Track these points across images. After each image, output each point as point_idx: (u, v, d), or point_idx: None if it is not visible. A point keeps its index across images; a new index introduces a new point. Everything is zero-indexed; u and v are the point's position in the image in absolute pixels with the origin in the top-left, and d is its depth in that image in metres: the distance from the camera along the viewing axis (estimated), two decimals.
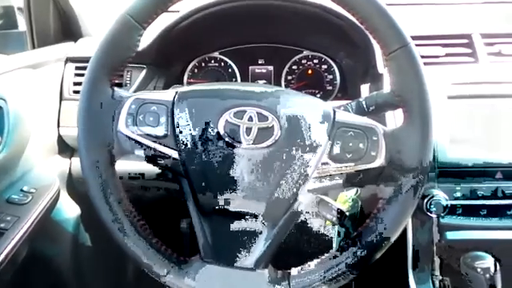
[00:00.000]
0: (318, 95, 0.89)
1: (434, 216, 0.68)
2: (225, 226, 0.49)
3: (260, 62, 0.90)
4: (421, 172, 0.46)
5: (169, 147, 0.48)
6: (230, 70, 0.89)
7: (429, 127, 0.46)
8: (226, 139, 0.46)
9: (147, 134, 0.48)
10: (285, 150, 0.46)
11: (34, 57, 0.76)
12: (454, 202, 0.69)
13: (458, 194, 0.69)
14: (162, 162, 0.49)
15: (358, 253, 0.47)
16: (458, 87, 0.70)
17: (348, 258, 0.47)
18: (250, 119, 0.46)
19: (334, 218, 0.54)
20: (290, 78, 0.89)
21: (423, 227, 0.72)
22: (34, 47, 0.84)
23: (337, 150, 0.47)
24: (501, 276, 0.63)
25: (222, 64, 0.89)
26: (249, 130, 0.46)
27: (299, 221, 0.53)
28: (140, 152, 0.49)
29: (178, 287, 0.48)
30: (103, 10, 0.95)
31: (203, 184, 0.47)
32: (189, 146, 0.47)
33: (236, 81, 0.89)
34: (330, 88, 0.88)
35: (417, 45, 0.74)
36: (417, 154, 0.46)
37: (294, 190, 0.47)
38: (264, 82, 0.89)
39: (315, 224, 0.79)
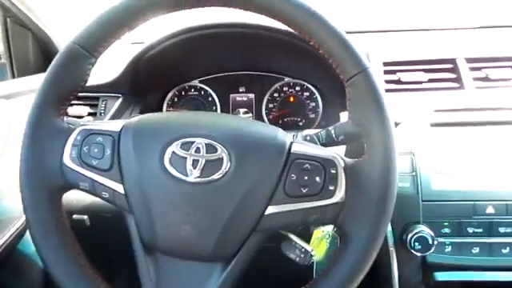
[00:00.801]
0: (301, 123, 0.85)
1: (418, 254, 0.62)
2: (170, 266, 0.45)
3: (241, 90, 0.88)
4: (382, 212, 0.41)
5: (113, 180, 0.45)
6: (210, 99, 0.87)
7: (390, 160, 0.42)
8: (172, 172, 0.43)
9: (91, 166, 0.45)
10: (235, 183, 0.42)
11: (8, 87, 0.75)
12: (442, 239, 0.63)
13: (446, 230, 0.63)
14: (107, 195, 0.46)
15: None
16: (442, 114, 0.66)
17: None
18: (198, 151, 0.43)
19: (298, 259, 0.49)
20: (271, 105, 0.86)
21: (409, 267, 0.66)
22: (14, 78, 0.85)
23: (291, 184, 0.43)
24: None
25: (202, 92, 0.88)
26: (196, 163, 0.43)
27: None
28: (85, 185, 0.46)
29: None
30: None
31: (147, 220, 0.44)
32: (133, 179, 0.44)
33: (216, 110, 0.87)
34: (313, 116, 0.85)
35: (398, 70, 0.73)
36: (377, 192, 0.41)
37: (246, 227, 0.43)
38: (245, 110, 0.86)
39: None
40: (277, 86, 0.86)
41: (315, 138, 0.58)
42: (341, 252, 0.43)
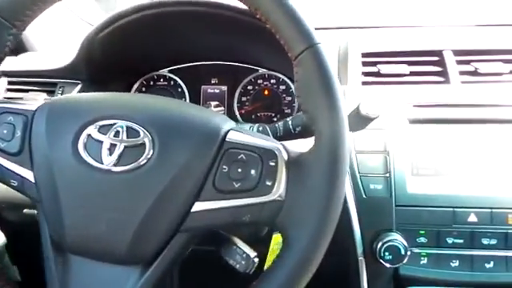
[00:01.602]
0: (275, 118, 0.79)
1: (388, 266, 0.55)
2: (81, 268, 0.39)
3: (213, 82, 0.81)
4: (326, 213, 0.35)
5: (23, 166, 0.39)
6: (179, 90, 0.81)
7: (338, 153, 0.35)
8: (85, 158, 0.37)
9: None
10: (157, 174, 0.36)
11: None
12: (417, 250, 0.56)
13: (422, 240, 0.56)
14: (16, 184, 0.40)
15: None
16: (422, 110, 0.59)
17: None
18: (117, 134, 0.37)
19: (238, 265, 0.43)
20: (244, 99, 0.80)
21: (380, 279, 0.59)
22: None
23: (222, 177, 0.36)
24: None
25: (172, 83, 0.82)
26: (113, 148, 0.37)
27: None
28: None
29: None
30: (48, 24, 0.90)
31: (56, 213, 0.38)
32: (44, 165, 0.38)
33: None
34: (289, 111, 0.78)
35: (379, 62, 0.66)
36: (322, 189, 0.35)
37: (169, 225, 0.36)
38: (216, 103, 0.80)
39: None
40: (251, 77, 0.79)
41: (268, 129, 0.52)
42: (280, 257, 0.36)
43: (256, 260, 0.43)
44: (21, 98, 0.72)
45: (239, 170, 0.36)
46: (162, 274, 0.38)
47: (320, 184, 0.35)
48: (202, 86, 0.82)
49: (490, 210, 0.55)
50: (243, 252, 0.43)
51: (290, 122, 0.53)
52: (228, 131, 0.38)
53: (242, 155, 0.37)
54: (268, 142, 0.38)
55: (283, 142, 0.40)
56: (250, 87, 0.80)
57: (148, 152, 0.36)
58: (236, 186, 0.36)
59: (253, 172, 0.36)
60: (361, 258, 0.58)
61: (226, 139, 0.37)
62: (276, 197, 0.36)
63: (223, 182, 0.36)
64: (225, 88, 0.81)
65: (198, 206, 0.36)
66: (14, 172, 0.39)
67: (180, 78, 0.81)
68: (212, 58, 0.80)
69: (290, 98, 0.79)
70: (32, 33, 0.85)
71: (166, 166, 0.36)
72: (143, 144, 0.37)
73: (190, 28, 0.69)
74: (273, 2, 0.37)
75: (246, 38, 0.72)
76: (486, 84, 0.61)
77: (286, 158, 0.37)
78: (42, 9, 0.42)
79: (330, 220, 0.35)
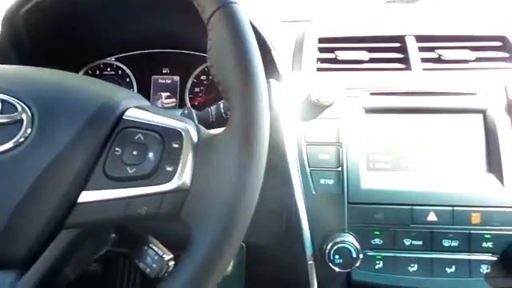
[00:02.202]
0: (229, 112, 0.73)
1: (338, 270, 0.48)
2: None
3: (164, 71, 0.75)
4: (236, 204, 0.28)
5: None
6: (128, 80, 0.75)
7: (252, 132, 0.29)
8: None
9: None
10: (35, 156, 0.30)
11: None
12: (372, 253, 0.50)
13: (378, 242, 0.50)
14: None
15: None
16: (380, 98, 0.54)
17: None
18: None
19: (149, 270, 0.36)
20: (197, 89, 0.74)
21: (331, 285, 0.52)
22: None
23: (113, 161, 0.30)
24: None
25: (120, 72, 0.75)
26: None
27: None
28: None
29: None
30: None
31: None
32: None
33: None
34: None
35: (336, 48, 0.61)
36: (232, 175, 0.29)
37: (50, 219, 0.30)
38: (168, 94, 0.74)
39: None
40: (204, 67, 0.73)
41: (195, 113, 0.47)
42: (187, 253, 0.29)
43: (171, 263, 0.37)
44: None
45: (134, 153, 0.30)
46: (45, 279, 0.31)
47: (229, 168, 0.29)
48: (153, 76, 0.75)
49: (451, 209, 0.49)
50: (155, 254, 0.36)
51: (221, 105, 0.47)
52: (128, 108, 0.32)
53: (139, 135, 0.30)
54: (174, 121, 0.32)
55: (201, 126, 0.34)
56: (203, 77, 0.74)
57: (25, 130, 0.30)
58: (130, 171, 0.30)
59: (151, 155, 0.30)
60: (310, 262, 0.52)
61: (124, 117, 0.31)
62: (178, 185, 0.29)
63: (115, 167, 0.30)
64: (177, 78, 0.75)
65: (86, 196, 0.30)
66: None
67: (128, 67, 0.75)
68: (163, 45, 0.74)
69: None
70: None
71: (45, 146, 0.30)
72: (20, 121, 0.30)
73: (133, 9, 0.63)
74: None
75: (196, 23, 0.66)
76: (450, 71, 0.56)
77: (195, 139, 0.31)
78: None
79: (241, 210, 0.29)
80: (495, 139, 0.50)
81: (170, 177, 0.30)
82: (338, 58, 0.59)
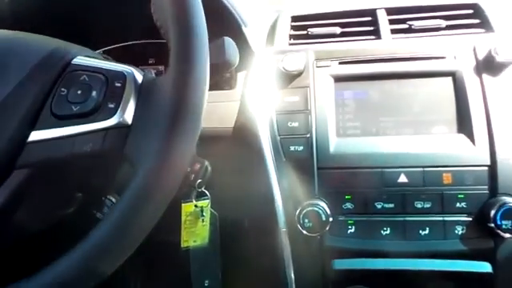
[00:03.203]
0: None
1: (308, 234, 0.48)
2: None
3: (150, 62, 0.78)
4: (170, 136, 0.29)
5: None
6: None
7: (191, 73, 0.30)
8: None
9: None
10: None
11: None
12: (343, 217, 0.50)
13: (349, 206, 0.50)
14: None
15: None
16: (349, 66, 0.54)
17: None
18: None
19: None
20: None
21: (306, 253, 0.52)
22: None
23: (59, 100, 0.31)
24: None
25: None
26: None
27: None
28: None
29: None
30: None
31: None
32: None
33: None
34: (228, 88, 0.74)
35: (309, 25, 0.62)
36: (167, 110, 0.29)
37: (1, 157, 0.31)
38: None
39: None
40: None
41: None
42: (127, 186, 0.30)
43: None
44: None
45: (79, 92, 0.31)
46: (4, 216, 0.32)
47: (166, 104, 0.30)
48: (139, 67, 0.78)
49: (422, 169, 0.49)
50: (111, 203, 0.37)
51: None
52: (77, 56, 0.34)
53: (84, 76, 0.32)
54: (120, 66, 0.33)
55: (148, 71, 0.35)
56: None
57: None
58: (74, 109, 0.31)
59: (94, 93, 0.31)
60: (284, 229, 0.51)
61: (72, 62, 0.33)
62: (119, 121, 0.31)
63: (61, 106, 0.31)
64: (162, 68, 0.77)
65: (35, 136, 0.31)
66: None
67: (115, 59, 0.78)
68: (147, 36, 0.77)
69: (228, 75, 0.74)
70: None
71: None
72: None
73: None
74: None
75: None
76: (418, 38, 0.56)
77: (139, 81, 0.33)
78: None
79: (176, 144, 0.29)
80: (465, 100, 0.50)
81: (111, 113, 0.31)
82: (309, 33, 0.61)
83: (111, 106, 0.31)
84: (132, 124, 0.31)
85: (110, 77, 0.32)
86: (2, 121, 0.31)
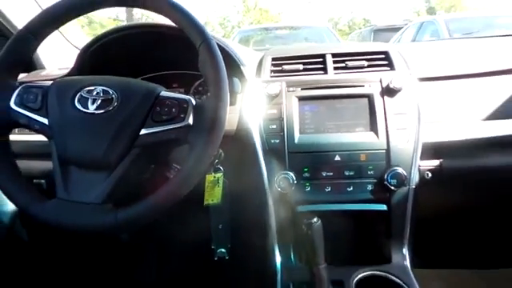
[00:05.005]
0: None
1: (281, 190, 0.82)
2: (74, 173, 0.65)
3: (174, 86, 1.11)
4: (212, 131, 0.62)
5: (42, 116, 0.67)
6: None
7: (219, 102, 0.63)
8: (78, 107, 0.65)
9: (28, 108, 0.67)
10: (119, 114, 0.64)
11: None
12: (303, 181, 0.84)
13: (306, 175, 0.84)
14: (37, 127, 0.67)
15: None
16: (307, 91, 0.88)
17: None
18: (97, 94, 0.65)
19: (172, 175, 0.70)
20: (197, 97, 1.09)
21: (282, 203, 0.85)
22: None
23: (156, 114, 0.64)
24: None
25: None
26: (95, 101, 0.65)
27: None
28: (23, 121, 0.67)
29: (38, 218, 0.63)
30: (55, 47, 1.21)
31: (62, 141, 0.65)
32: (55, 114, 0.66)
33: None
34: None
35: (284, 64, 0.96)
36: (209, 119, 0.62)
37: (127, 143, 0.64)
38: None
39: None
40: (200, 81, 1.09)
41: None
42: (189, 153, 0.63)
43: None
44: None
45: (166, 110, 0.64)
46: (123, 174, 0.64)
47: (210, 113, 0.63)
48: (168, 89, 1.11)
49: (348, 152, 0.83)
50: (176, 168, 0.70)
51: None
52: (161, 91, 0.67)
53: (168, 101, 0.65)
54: (185, 96, 0.66)
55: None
56: (200, 88, 1.09)
57: (114, 102, 0.64)
58: (164, 118, 0.64)
59: (173, 110, 0.64)
60: (267, 188, 0.85)
61: (160, 95, 0.66)
62: (186, 123, 0.64)
63: (158, 116, 0.64)
64: (182, 90, 1.10)
65: (144, 131, 0.64)
66: (36, 120, 0.66)
67: (153, 81, 1.11)
68: (173, 68, 1.10)
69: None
70: (39, 57, 1.15)
71: (124, 110, 0.64)
72: (112, 98, 0.65)
73: (153, 45, 0.99)
74: (177, 12, 0.66)
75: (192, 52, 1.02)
76: (350, 73, 0.91)
77: (194, 103, 0.66)
78: (55, 29, 0.72)
79: (215, 135, 0.62)
80: (374, 112, 0.84)
81: (182, 120, 0.63)
82: (283, 69, 0.95)
83: (182, 116, 0.64)
84: (192, 125, 0.64)
85: (180, 101, 0.65)
86: (129, 124, 0.64)
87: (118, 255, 1.24)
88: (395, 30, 6.82)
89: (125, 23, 0.90)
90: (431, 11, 20.32)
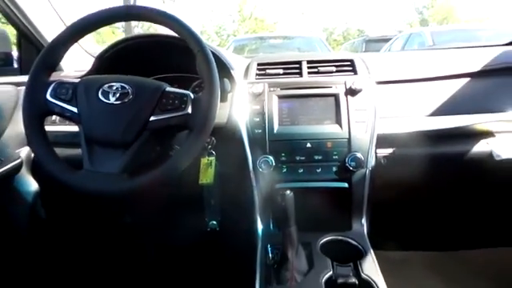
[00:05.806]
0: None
1: (264, 172, 1.00)
2: (98, 150, 0.83)
3: (175, 86, 1.29)
4: (206, 118, 0.80)
5: (72, 105, 0.85)
6: None
7: (212, 97, 0.82)
8: (102, 99, 0.83)
9: (61, 99, 0.85)
10: (134, 105, 0.82)
11: (17, 79, 1.17)
12: (280, 164, 1.02)
13: (284, 158, 1.02)
14: (68, 114, 0.85)
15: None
16: (286, 91, 1.07)
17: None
18: (116, 89, 0.84)
19: (175, 148, 0.88)
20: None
21: (262, 182, 1.03)
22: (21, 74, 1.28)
23: (162, 104, 0.83)
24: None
25: None
26: (114, 94, 0.83)
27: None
28: (57, 109, 0.85)
29: (68, 184, 0.81)
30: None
31: (88, 125, 0.83)
32: (83, 104, 0.84)
33: None
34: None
35: (267, 68, 1.15)
36: (204, 110, 0.81)
37: (139, 126, 0.82)
38: None
39: None
40: (197, 82, 1.28)
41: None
42: (188, 134, 0.81)
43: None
44: None
45: (170, 101, 0.83)
46: (136, 151, 0.82)
47: (204, 105, 0.81)
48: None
49: (318, 140, 1.02)
50: (177, 147, 0.89)
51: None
52: (166, 87, 0.85)
53: (172, 95, 0.83)
54: (186, 91, 0.85)
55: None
56: (197, 89, 1.28)
57: (130, 95, 0.83)
58: (169, 108, 0.82)
59: (177, 102, 0.83)
60: (252, 170, 1.03)
61: (165, 90, 0.84)
62: (186, 112, 0.82)
63: (164, 106, 0.83)
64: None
65: (153, 117, 0.82)
66: (67, 108, 0.85)
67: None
68: (175, 71, 1.29)
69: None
70: None
71: (137, 101, 0.82)
72: (128, 92, 0.83)
73: (160, 52, 1.18)
74: (179, 26, 0.85)
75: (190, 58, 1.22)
76: (321, 77, 1.10)
77: (192, 97, 0.84)
78: (78, 39, 0.90)
79: (208, 120, 0.81)
80: (339, 108, 1.03)
81: (184, 109, 0.82)
82: (266, 73, 1.14)
83: (183, 106, 0.82)
84: (191, 113, 0.82)
85: (181, 95, 0.83)
86: (141, 112, 0.82)
87: (122, 236, 1.41)
88: (386, 40, 7.10)
89: (121, 30, 1.07)
90: (424, 23, 20.81)
